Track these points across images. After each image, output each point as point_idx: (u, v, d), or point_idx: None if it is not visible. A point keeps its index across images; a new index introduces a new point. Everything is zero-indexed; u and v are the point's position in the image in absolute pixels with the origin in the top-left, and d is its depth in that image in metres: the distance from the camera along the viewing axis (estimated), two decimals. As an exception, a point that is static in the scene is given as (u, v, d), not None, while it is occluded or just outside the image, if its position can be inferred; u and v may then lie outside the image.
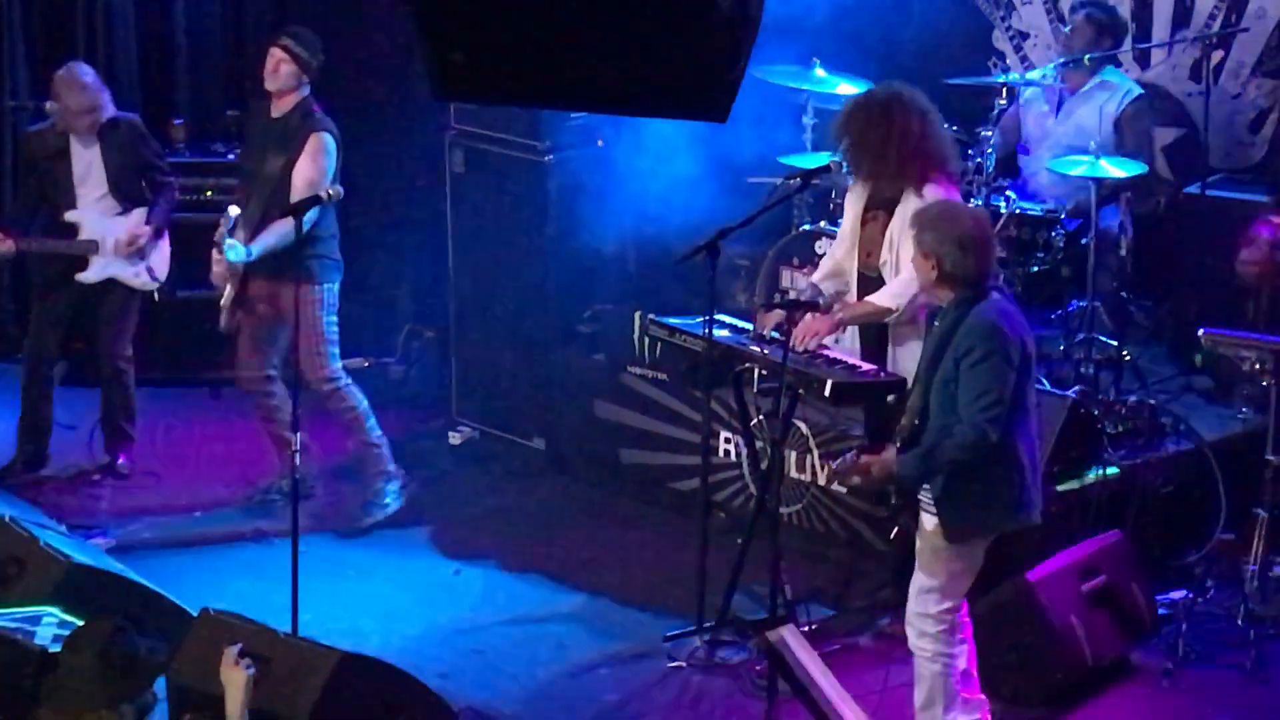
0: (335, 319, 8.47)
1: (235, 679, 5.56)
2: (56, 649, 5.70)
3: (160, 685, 5.58)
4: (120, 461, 9.13)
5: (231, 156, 10.26)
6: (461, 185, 9.42)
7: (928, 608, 6.46)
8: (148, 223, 8.90)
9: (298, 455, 7.24)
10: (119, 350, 9.06)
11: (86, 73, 8.90)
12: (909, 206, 7.02)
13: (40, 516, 7.74)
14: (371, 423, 8.65)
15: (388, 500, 8.69)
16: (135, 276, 8.94)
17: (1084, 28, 8.87)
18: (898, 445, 6.40)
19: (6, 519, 7.15)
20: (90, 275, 8.90)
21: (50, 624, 6.17)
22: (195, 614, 6.48)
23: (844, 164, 7.49)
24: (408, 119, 10.37)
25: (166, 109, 10.43)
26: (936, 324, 6.42)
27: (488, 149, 9.27)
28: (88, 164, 8.88)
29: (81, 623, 5.78)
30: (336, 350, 8.51)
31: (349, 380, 8.62)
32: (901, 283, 7.04)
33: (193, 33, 10.62)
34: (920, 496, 6.39)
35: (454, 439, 9.57)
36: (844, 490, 7.84)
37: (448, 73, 4.59)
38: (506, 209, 9.27)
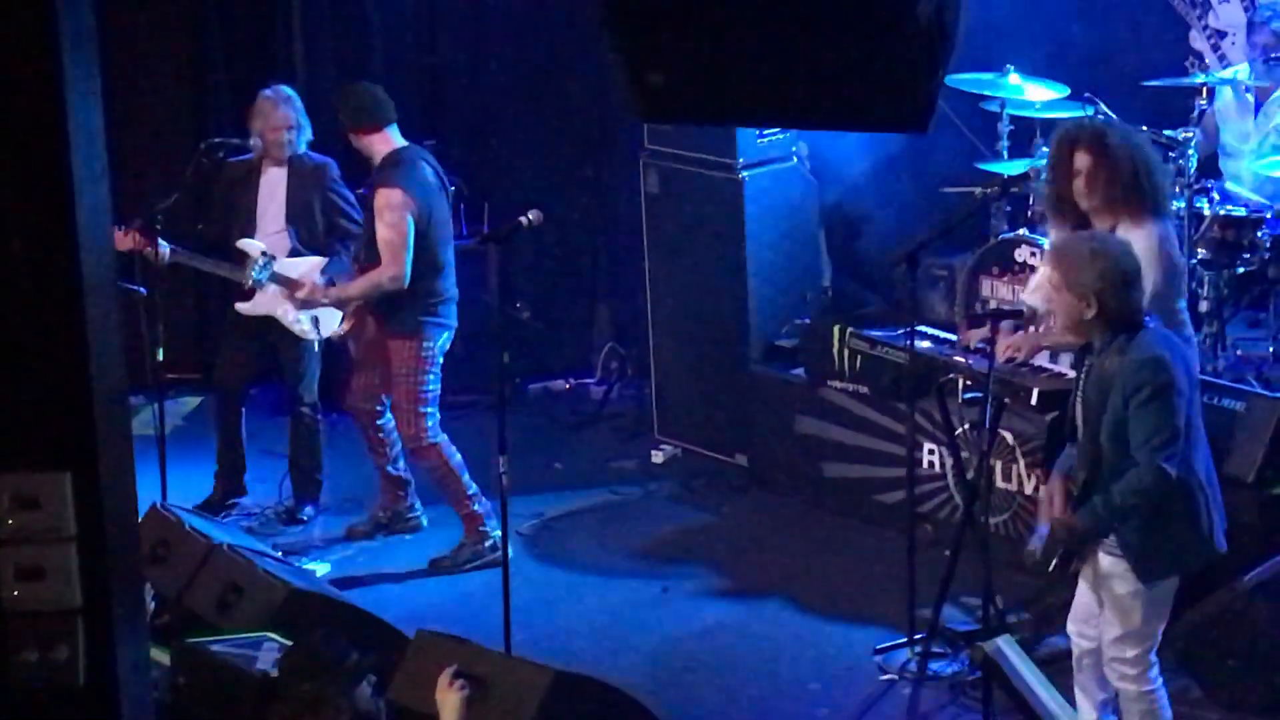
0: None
1: (450, 700, 5.64)
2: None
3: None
4: (307, 510, 8.88)
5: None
6: (656, 205, 9.47)
7: (1124, 652, 6.23)
8: (323, 272, 8.51)
9: (504, 478, 7.28)
10: (301, 395, 8.77)
11: (290, 92, 8.70)
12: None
13: (256, 543, 7.81)
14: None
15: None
16: (294, 322, 8.56)
17: (1271, 39, 8.71)
18: (1075, 497, 6.16)
19: (225, 546, 7.22)
20: (247, 306, 8.57)
21: (271, 649, 6.20)
22: (410, 636, 6.58)
23: (1045, 196, 7.30)
24: (602, 141, 10.45)
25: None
26: (1090, 364, 6.14)
27: (682, 168, 9.30)
28: (271, 192, 8.60)
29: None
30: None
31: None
32: None
33: (392, 65, 10.65)
34: (1103, 541, 6.15)
35: (656, 457, 9.62)
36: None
37: (646, 94, 4.59)
38: (702, 227, 9.29)
